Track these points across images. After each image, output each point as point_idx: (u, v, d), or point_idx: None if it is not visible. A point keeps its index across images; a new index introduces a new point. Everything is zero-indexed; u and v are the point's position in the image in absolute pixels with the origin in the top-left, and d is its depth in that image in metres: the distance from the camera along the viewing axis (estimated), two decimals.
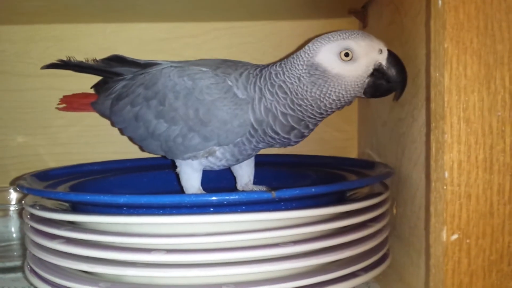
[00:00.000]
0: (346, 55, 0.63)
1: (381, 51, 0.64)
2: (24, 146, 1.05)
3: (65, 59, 0.89)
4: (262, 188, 0.85)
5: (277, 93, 0.66)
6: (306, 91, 0.65)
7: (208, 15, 1.04)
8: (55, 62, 0.89)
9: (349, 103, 0.68)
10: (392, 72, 0.64)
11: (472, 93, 0.48)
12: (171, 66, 0.75)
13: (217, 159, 0.74)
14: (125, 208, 0.61)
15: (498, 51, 0.48)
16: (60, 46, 1.07)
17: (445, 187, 0.48)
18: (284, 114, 0.66)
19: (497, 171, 0.48)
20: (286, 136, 0.68)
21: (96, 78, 0.92)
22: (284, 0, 0.96)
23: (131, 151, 1.02)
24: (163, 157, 0.90)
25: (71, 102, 0.91)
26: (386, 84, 0.66)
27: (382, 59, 0.64)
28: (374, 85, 0.66)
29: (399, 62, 0.65)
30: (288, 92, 0.66)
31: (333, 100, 0.65)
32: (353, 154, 1.11)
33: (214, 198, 0.55)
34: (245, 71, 0.70)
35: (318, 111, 0.66)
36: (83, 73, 0.90)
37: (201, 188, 0.76)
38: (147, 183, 0.93)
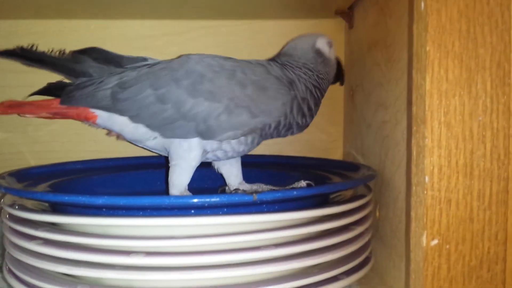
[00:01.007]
0: (330, 45, 0.84)
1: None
2: (4, 143, 1.03)
3: (26, 46, 0.83)
4: (263, 186, 0.83)
5: (306, 73, 0.78)
6: (320, 70, 0.81)
7: (193, 13, 1.03)
8: (12, 49, 0.83)
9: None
10: (340, 65, 0.87)
11: (453, 97, 0.48)
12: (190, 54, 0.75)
13: (240, 144, 0.74)
14: (104, 209, 0.61)
15: (480, 55, 0.48)
16: (44, 42, 1.02)
17: (425, 192, 0.48)
18: (316, 88, 0.78)
19: (477, 176, 0.48)
20: (311, 113, 0.79)
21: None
22: (270, 0, 0.95)
23: (113, 150, 1.01)
24: (150, 157, 0.90)
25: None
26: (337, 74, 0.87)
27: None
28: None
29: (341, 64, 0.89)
30: (313, 70, 0.79)
31: (330, 78, 0.84)
32: (337, 155, 1.11)
33: (195, 200, 0.54)
34: (263, 61, 0.79)
35: (326, 86, 0.83)
36: (38, 67, 0.83)
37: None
38: (130, 182, 0.92)
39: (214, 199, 0.55)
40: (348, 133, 1.06)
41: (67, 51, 0.86)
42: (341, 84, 0.89)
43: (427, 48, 0.48)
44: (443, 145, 0.47)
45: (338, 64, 0.86)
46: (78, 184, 0.84)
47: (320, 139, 1.12)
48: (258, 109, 0.70)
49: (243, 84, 0.70)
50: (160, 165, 0.98)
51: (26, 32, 1.04)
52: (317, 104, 0.80)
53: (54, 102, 0.78)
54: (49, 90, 0.80)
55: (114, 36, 1.05)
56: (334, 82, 0.88)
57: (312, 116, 0.79)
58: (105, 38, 1.05)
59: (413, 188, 0.49)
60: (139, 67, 0.77)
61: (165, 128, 0.71)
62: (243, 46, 1.07)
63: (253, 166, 0.99)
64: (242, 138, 0.73)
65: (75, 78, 0.80)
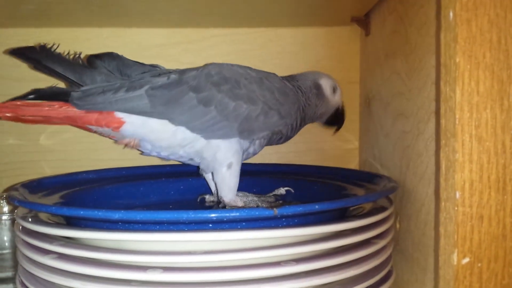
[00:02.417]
0: (333, 88, 0.90)
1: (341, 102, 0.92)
2: (16, 152, 1.02)
3: (47, 44, 0.82)
4: (248, 194, 0.84)
5: (301, 90, 0.85)
6: (310, 98, 0.86)
7: (207, 21, 1.02)
8: (31, 46, 0.82)
9: (316, 120, 0.92)
10: (341, 113, 0.93)
11: (485, 110, 0.46)
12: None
13: (260, 146, 0.82)
14: (120, 223, 0.59)
15: (511, 66, 0.46)
16: (56, 50, 1.04)
17: (456, 208, 0.46)
18: (302, 109, 0.84)
19: (510, 191, 0.46)
20: (300, 125, 0.86)
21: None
22: (285, 7, 0.94)
23: (127, 158, 1.00)
24: (164, 165, 0.92)
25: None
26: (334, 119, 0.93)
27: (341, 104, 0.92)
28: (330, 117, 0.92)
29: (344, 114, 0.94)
30: (304, 94, 0.85)
31: (317, 113, 0.89)
32: (353, 164, 1.09)
33: (213, 215, 0.53)
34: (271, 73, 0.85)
35: (308, 116, 0.87)
36: (48, 72, 0.83)
37: None
38: (144, 192, 0.91)
39: (234, 213, 0.53)
40: (364, 142, 1.04)
41: (83, 55, 0.86)
42: (337, 130, 0.96)
43: (457, 60, 0.46)
44: (474, 159, 0.45)
45: (340, 111, 0.92)
46: (92, 194, 0.83)
47: (336, 148, 1.10)
48: (284, 112, 0.78)
49: (271, 90, 0.78)
50: (173, 174, 0.97)
51: (38, 40, 1.01)
52: (300, 124, 0.86)
53: (64, 106, 0.75)
54: (51, 95, 0.77)
55: (127, 45, 1.04)
56: (330, 125, 0.94)
57: (297, 131, 0.87)
58: (118, 46, 1.04)
59: (442, 203, 0.47)
60: (161, 74, 0.78)
61: (208, 129, 0.74)
62: (257, 54, 1.06)
63: (267, 175, 0.98)
64: (262, 139, 0.80)
65: (81, 86, 0.78)
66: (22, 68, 1.00)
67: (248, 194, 0.86)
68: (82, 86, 0.78)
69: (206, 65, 0.80)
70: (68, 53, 0.84)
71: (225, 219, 0.54)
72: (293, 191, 0.87)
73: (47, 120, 0.77)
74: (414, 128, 0.71)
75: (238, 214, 0.53)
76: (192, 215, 0.52)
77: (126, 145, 0.81)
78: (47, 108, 0.74)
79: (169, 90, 0.73)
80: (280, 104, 0.78)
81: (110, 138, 0.81)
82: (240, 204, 0.80)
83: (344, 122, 0.94)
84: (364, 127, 1.05)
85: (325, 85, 0.88)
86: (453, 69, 0.46)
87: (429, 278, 0.64)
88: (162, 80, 0.75)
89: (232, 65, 0.80)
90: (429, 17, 0.66)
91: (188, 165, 0.94)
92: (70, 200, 0.75)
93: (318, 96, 0.87)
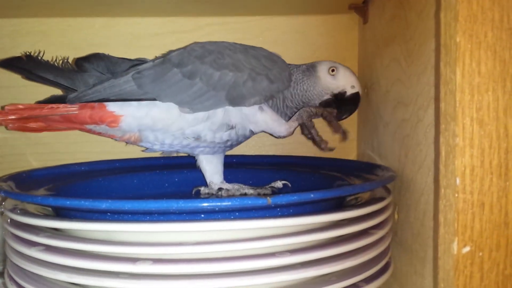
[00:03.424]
0: (332, 71, 0.86)
1: (353, 87, 0.87)
2: (5, 145, 1.00)
3: (32, 53, 0.82)
4: (243, 186, 0.83)
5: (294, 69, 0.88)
6: (302, 77, 0.87)
7: (202, 10, 0.99)
8: (17, 57, 0.82)
9: (310, 102, 0.88)
10: (347, 103, 0.88)
11: (486, 92, 0.44)
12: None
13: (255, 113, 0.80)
14: (109, 214, 0.57)
15: None
16: (48, 41, 1.02)
17: (456, 195, 0.44)
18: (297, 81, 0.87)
19: None
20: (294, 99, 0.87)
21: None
22: None
23: (119, 151, 0.98)
24: (157, 158, 0.91)
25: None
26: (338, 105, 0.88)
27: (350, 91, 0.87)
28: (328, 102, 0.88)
29: (357, 102, 0.88)
30: (295, 70, 0.88)
31: (309, 93, 0.87)
32: (352, 155, 1.07)
33: (205, 204, 0.51)
34: None
35: (300, 93, 0.87)
36: (40, 80, 0.82)
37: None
38: (137, 184, 0.89)
39: (226, 203, 0.51)
40: (362, 132, 1.02)
41: (71, 56, 0.85)
42: (339, 118, 0.89)
43: (457, 39, 0.44)
44: (475, 144, 0.43)
45: (343, 96, 0.87)
46: (83, 186, 0.81)
47: (334, 139, 1.07)
48: (274, 77, 0.78)
49: (257, 57, 0.78)
50: (168, 166, 0.96)
51: (29, 31, 1.01)
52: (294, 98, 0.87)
53: (61, 105, 0.76)
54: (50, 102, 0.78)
55: (120, 35, 1.02)
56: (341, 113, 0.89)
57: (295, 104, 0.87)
58: (111, 36, 1.02)
59: (442, 190, 0.45)
60: (148, 62, 0.79)
61: (195, 101, 0.74)
62: (253, 43, 1.01)
63: (264, 166, 0.96)
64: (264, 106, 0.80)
65: (75, 91, 0.78)
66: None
67: (244, 186, 0.85)
68: (77, 90, 0.79)
69: (190, 44, 0.80)
70: (56, 59, 0.83)
71: (217, 209, 0.52)
72: (290, 185, 0.85)
73: (50, 126, 0.78)
74: (413, 116, 0.69)
75: (230, 203, 0.51)
76: (182, 204, 0.50)
77: (128, 142, 0.80)
78: (46, 110, 0.75)
79: (154, 70, 0.75)
80: (268, 69, 0.78)
81: (111, 137, 0.80)
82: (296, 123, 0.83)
83: (352, 112, 0.89)
84: (362, 117, 1.02)
85: (321, 65, 0.87)
86: (453, 50, 0.44)
87: (428, 269, 0.62)
88: (147, 64, 0.77)
89: (217, 41, 0.81)
90: (429, 0, 0.64)
91: (184, 157, 0.92)
92: (61, 193, 0.73)
93: (309, 75, 0.86)
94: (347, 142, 1.06)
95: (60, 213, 0.66)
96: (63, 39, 1.02)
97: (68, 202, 0.53)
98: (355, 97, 0.87)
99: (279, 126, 0.81)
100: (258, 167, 0.97)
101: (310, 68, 0.87)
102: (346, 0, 0.98)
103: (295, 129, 0.83)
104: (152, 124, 0.76)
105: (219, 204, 0.51)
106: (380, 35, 0.89)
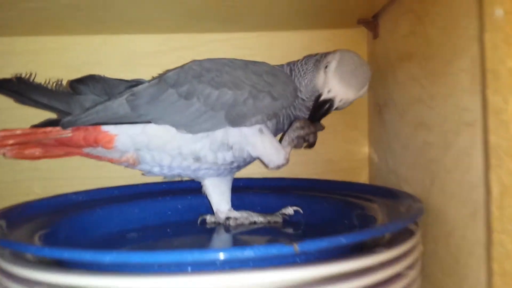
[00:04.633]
0: (327, 66, 0.77)
1: (330, 91, 0.76)
2: (1, 171, 0.94)
3: (24, 75, 0.77)
4: (253, 214, 0.80)
5: (298, 70, 0.81)
6: (306, 73, 0.80)
7: (204, 26, 0.94)
8: (8, 79, 0.76)
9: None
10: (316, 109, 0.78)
11: None
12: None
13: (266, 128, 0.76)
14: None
15: None
16: (41, 60, 0.96)
17: None
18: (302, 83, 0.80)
19: None
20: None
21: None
22: (287, 9, 0.87)
23: (117, 176, 0.92)
24: (159, 183, 0.87)
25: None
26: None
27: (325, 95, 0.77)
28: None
29: (324, 110, 0.77)
30: (299, 70, 0.81)
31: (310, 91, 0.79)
32: (363, 175, 1.02)
33: (224, 255, 0.45)
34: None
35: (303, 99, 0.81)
36: (33, 104, 0.77)
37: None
38: (139, 214, 0.83)
39: (248, 252, 0.45)
40: (375, 153, 0.97)
41: (67, 75, 0.80)
42: (308, 141, 0.80)
43: (510, 64, 0.38)
44: None
45: (320, 102, 0.77)
46: (81, 220, 0.75)
47: (343, 159, 1.02)
48: (277, 93, 0.74)
49: (258, 73, 0.74)
50: (170, 191, 0.90)
51: (22, 50, 0.95)
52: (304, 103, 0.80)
53: (55, 129, 0.72)
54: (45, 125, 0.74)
55: (118, 53, 0.97)
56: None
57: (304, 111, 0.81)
58: (109, 55, 0.97)
59: (496, 236, 0.40)
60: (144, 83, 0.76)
61: (193, 123, 0.71)
62: (259, 59, 0.98)
63: (274, 191, 0.91)
64: (269, 123, 0.76)
65: (70, 114, 0.73)
66: None
67: (253, 213, 0.80)
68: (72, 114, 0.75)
69: (187, 63, 0.77)
70: (49, 81, 0.78)
71: (238, 259, 0.46)
72: (301, 211, 0.80)
73: (48, 152, 0.74)
74: (439, 140, 0.64)
75: (253, 253, 0.45)
76: (197, 255, 0.44)
77: (126, 164, 0.76)
78: (39, 134, 0.72)
79: (148, 92, 0.71)
80: (270, 86, 0.74)
81: (110, 161, 0.77)
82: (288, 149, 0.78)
83: (317, 119, 0.79)
84: (375, 136, 0.97)
85: (328, 57, 0.78)
86: (504, 76, 0.39)
87: None
88: (142, 86, 0.73)
89: (215, 58, 0.77)
90: (456, 16, 0.59)
91: (187, 181, 0.87)
92: (58, 229, 0.67)
93: (314, 68, 0.79)
94: (357, 163, 1.02)
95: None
96: (57, 58, 0.96)
97: (66, 254, 0.47)
98: (323, 104, 0.76)
99: (277, 153, 0.76)
100: (267, 191, 0.92)
101: (321, 58, 0.80)
102: (355, 14, 0.94)
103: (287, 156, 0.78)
104: (147, 142, 0.72)
105: (239, 254, 0.45)
106: (393, 51, 0.84)
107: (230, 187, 0.83)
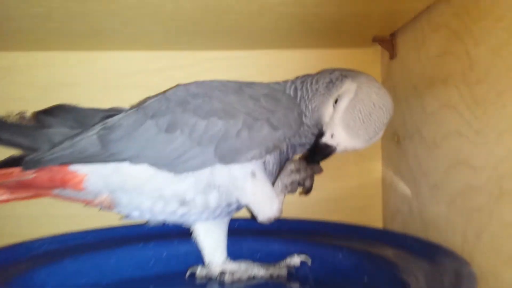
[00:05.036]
0: (336, 100, 0.63)
1: (333, 136, 0.63)
2: None
3: None
4: (253, 266, 0.68)
5: (303, 91, 0.67)
6: (315, 98, 0.66)
7: (199, 42, 0.83)
8: None
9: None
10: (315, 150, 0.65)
11: None
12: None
13: (268, 165, 0.65)
14: None
15: None
16: (10, 79, 0.85)
17: None
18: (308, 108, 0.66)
19: None
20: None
21: None
22: (290, 26, 0.75)
23: (95, 214, 0.78)
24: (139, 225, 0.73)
25: None
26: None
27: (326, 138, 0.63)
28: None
29: (322, 156, 0.65)
30: (306, 90, 0.67)
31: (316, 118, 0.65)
32: (376, 215, 0.90)
33: None
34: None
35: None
36: None
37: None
38: (116, 264, 0.69)
39: None
40: (391, 191, 0.84)
41: (39, 96, 0.70)
42: (305, 185, 0.69)
43: None
44: None
45: (319, 143, 0.64)
46: (48, 274, 0.62)
47: (353, 195, 0.90)
48: (278, 121, 0.62)
49: (255, 98, 0.63)
50: (153, 236, 0.77)
51: None
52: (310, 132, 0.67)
53: (14, 171, 0.61)
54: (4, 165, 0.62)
55: (98, 72, 0.87)
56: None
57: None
58: (87, 74, 0.86)
59: None
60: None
61: (177, 161, 0.60)
62: (260, 79, 0.86)
63: (273, 235, 0.78)
64: (269, 157, 0.64)
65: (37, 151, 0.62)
66: None
67: (252, 264, 0.68)
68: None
69: (171, 88, 0.66)
70: (11, 114, 0.67)
71: None
72: (310, 262, 0.67)
73: (13, 194, 0.64)
74: (490, 185, 0.52)
75: None
76: None
77: (101, 207, 0.65)
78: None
79: (123, 125, 0.60)
80: (270, 112, 0.62)
81: (85, 204, 0.65)
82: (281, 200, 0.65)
83: (314, 162, 0.68)
84: (392, 171, 0.85)
85: (346, 82, 0.63)
86: None
87: None
88: (117, 117, 0.62)
89: (204, 80, 0.65)
90: (510, 34, 0.47)
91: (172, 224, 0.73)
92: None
93: (325, 92, 0.64)
94: (369, 200, 0.89)
95: None
96: (29, 77, 0.86)
97: None
98: (323, 148, 0.63)
99: (270, 203, 0.63)
100: (268, 234, 0.79)
101: (336, 81, 0.64)
102: (370, 32, 0.82)
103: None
104: (122, 182, 0.61)
105: None
106: (419, 73, 0.73)
107: (226, 231, 0.71)
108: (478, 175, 0.55)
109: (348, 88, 0.62)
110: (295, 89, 0.67)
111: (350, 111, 0.60)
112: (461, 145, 0.59)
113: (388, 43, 0.85)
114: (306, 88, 0.66)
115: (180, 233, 0.73)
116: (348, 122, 0.60)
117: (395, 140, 0.83)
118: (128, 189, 0.61)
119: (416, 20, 0.73)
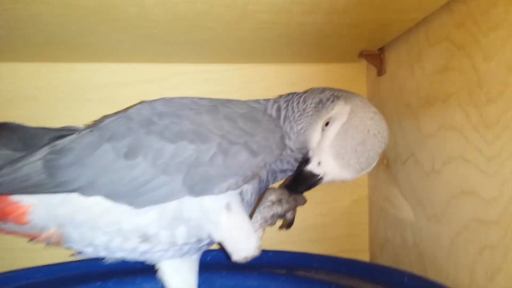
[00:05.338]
0: (327, 123, 0.56)
1: (320, 164, 0.55)
2: None
3: None
4: None
5: (287, 111, 0.60)
6: (301, 119, 0.58)
7: (169, 55, 0.75)
8: None
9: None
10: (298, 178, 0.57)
11: None
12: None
13: (246, 194, 0.57)
14: None
15: None
16: None
17: None
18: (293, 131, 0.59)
19: None
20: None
21: None
22: (271, 39, 0.68)
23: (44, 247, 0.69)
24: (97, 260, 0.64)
25: None
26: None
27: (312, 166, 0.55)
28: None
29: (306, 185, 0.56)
30: (290, 111, 0.60)
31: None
32: (363, 250, 0.82)
33: None
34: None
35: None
36: None
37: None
38: None
39: None
40: (379, 220, 0.77)
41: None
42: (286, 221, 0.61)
43: None
44: None
45: (304, 172, 0.56)
46: None
47: (337, 223, 0.83)
48: (257, 145, 0.54)
49: (231, 118, 0.55)
50: (111, 273, 0.68)
51: None
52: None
53: None
54: None
55: (58, 85, 0.78)
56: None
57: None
58: (45, 86, 0.78)
59: None
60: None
61: (135, 193, 0.51)
62: (238, 97, 0.79)
63: (257, 268, 0.69)
64: (247, 186, 0.56)
65: None
66: None
67: None
68: None
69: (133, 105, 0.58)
70: None
71: None
72: None
73: None
74: (505, 219, 0.45)
75: None
76: None
77: (48, 242, 0.56)
78: None
79: (75, 149, 0.52)
80: (248, 135, 0.54)
81: (28, 237, 0.56)
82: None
83: (297, 192, 0.60)
84: (378, 198, 0.78)
85: (337, 104, 0.56)
86: None
87: None
88: (69, 139, 0.54)
89: (173, 97, 0.58)
90: None
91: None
92: None
93: (314, 113, 0.57)
94: (355, 227, 0.83)
95: None
96: None
97: None
98: (308, 177, 0.56)
99: (247, 240, 0.55)
100: (244, 269, 0.70)
101: (326, 102, 0.57)
102: (356, 45, 0.76)
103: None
104: (72, 215, 0.53)
105: None
106: (413, 91, 0.67)
107: (197, 269, 0.62)
108: (489, 208, 0.48)
109: (340, 111, 0.54)
110: (278, 109, 0.59)
111: (341, 137, 0.52)
112: (467, 173, 0.52)
113: (376, 58, 0.79)
114: (292, 108, 0.59)
115: (144, 270, 0.64)
116: (339, 150, 0.52)
117: (384, 163, 0.76)
118: (79, 223, 0.52)
119: (410, 32, 0.67)
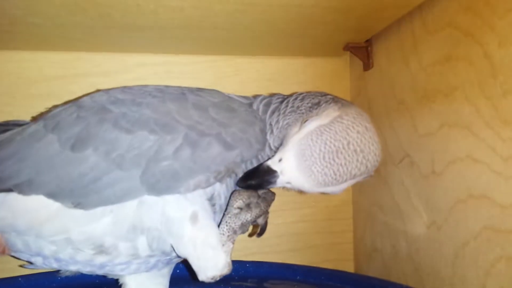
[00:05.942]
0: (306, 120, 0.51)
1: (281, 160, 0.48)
2: None
3: None
4: None
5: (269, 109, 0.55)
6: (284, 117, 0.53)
7: (132, 44, 0.68)
8: None
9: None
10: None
11: None
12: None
13: (218, 198, 0.50)
14: None
15: None
16: None
17: None
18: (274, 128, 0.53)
19: None
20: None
21: None
22: (250, 28, 0.62)
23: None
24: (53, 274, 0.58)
25: None
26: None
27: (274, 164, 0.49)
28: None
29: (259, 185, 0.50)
30: (272, 110, 0.55)
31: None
32: (347, 259, 0.76)
33: None
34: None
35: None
36: None
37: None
38: None
39: None
40: (365, 227, 0.71)
41: None
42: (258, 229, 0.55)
43: None
44: None
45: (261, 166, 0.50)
46: None
47: (319, 230, 0.78)
48: (232, 137, 0.49)
49: (201, 107, 0.49)
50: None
51: None
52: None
53: None
54: None
55: (6, 75, 0.68)
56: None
57: None
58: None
59: None
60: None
61: (84, 191, 0.45)
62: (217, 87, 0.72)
63: (237, 281, 0.64)
64: (218, 186, 0.49)
65: None
66: None
67: None
68: None
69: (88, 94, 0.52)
70: None
71: None
72: None
73: None
74: None
75: None
76: None
77: None
78: None
79: (15, 140, 0.46)
80: (222, 126, 0.48)
81: None
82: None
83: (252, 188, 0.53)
84: (364, 200, 0.71)
85: (327, 111, 0.49)
86: None
87: None
88: (11, 132, 0.48)
89: (135, 86, 0.52)
90: None
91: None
92: None
93: (303, 114, 0.51)
94: (339, 235, 0.76)
95: None
96: None
97: None
98: (265, 172, 0.49)
99: (215, 257, 0.47)
100: (219, 282, 0.61)
101: (322, 104, 0.51)
102: (341, 37, 0.70)
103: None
104: (11, 220, 0.46)
105: None
106: (407, 86, 0.61)
107: (167, 284, 0.55)
108: (506, 214, 0.42)
109: (328, 114, 0.48)
110: (268, 103, 0.53)
111: (312, 137, 0.46)
112: (477, 175, 0.46)
113: (362, 51, 0.73)
114: (287, 103, 0.52)
115: (109, 285, 0.56)
116: (304, 150, 0.46)
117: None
118: (22, 230, 0.45)
119: (402, 21, 0.61)
